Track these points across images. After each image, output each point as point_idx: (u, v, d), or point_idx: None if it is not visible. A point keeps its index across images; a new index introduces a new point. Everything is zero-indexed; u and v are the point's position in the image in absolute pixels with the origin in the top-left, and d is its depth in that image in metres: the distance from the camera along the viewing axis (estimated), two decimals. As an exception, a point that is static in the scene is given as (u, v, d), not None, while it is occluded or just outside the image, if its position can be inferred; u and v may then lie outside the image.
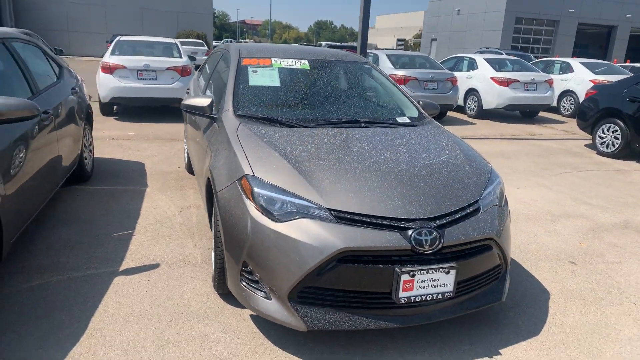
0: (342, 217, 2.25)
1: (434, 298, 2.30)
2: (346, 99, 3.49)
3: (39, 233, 3.58)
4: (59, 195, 4.36)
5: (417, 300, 2.27)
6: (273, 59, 3.63)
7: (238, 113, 3.08)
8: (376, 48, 36.77)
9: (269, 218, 2.28)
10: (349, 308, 2.26)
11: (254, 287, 2.35)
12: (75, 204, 4.19)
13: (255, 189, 2.37)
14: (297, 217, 2.26)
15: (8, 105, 2.67)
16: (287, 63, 3.62)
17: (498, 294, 2.57)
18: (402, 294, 2.23)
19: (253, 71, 3.51)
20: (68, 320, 2.54)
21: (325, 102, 3.40)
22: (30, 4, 27.75)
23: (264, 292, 2.31)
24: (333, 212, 2.26)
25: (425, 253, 2.25)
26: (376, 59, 10.81)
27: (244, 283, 2.39)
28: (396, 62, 10.55)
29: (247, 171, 2.48)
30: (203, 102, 3.19)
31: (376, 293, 2.24)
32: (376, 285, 2.22)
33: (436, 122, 3.48)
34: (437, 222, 2.33)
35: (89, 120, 4.95)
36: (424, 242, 2.24)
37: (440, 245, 2.27)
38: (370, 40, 72.72)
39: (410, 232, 2.24)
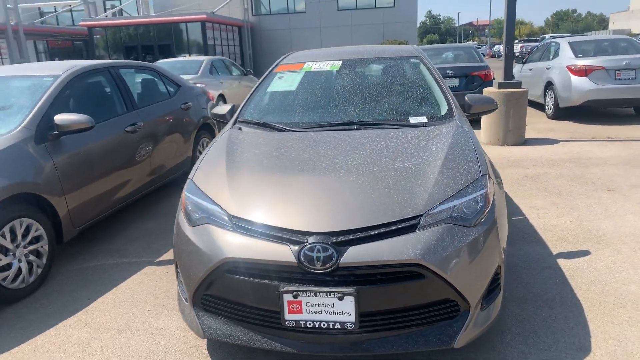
0: (240, 226, 2.13)
1: (331, 327, 1.96)
2: (362, 100, 3.18)
3: (126, 223, 4.34)
4: (167, 193, 5.17)
5: (308, 325, 1.97)
6: (306, 63, 3.58)
7: (240, 119, 3.17)
8: (629, 34, 30.81)
9: (187, 221, 2.32)
10: (246, 322, 2.12)
11: (180, 289, 2.42)
12: (174, 200, 4.91)
13: (185, 193, 2.44)
14: (204, 222, 2.23)
15: (68, 120, 3.36)
16: (318, 66, 3.52)
17: (447, 338, 2.01)
18: (288, 316, 1.98)
19: (279, 77, 3.53)
20: (83, 297, 3.05)
21: (335, 103, 3.17)
22: (262, 32, 32.81)
23: (184, 294, 2.35)
24: (234, 220, 2.16)
25: (316, 272, 1.94)
26: (557, 49, 9.19)
27: (177, 284, 2.48)
28: (579, 50, 8.74)
29: (191, 175, 2.56)
30: (224, 109, 3.38)
31: (268, 311, 2.04)
32: (266, 303, 2.02)
33: (460, 121, 2.88)
34: (340, 237, 1.98)
35: (206, 128, 5.68)
36: (315, 260, 1.94)
37: (335, 265, 1.92)
38: (622, 25, 60.99)
39: (298, 246, 1.97)
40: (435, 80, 3.28)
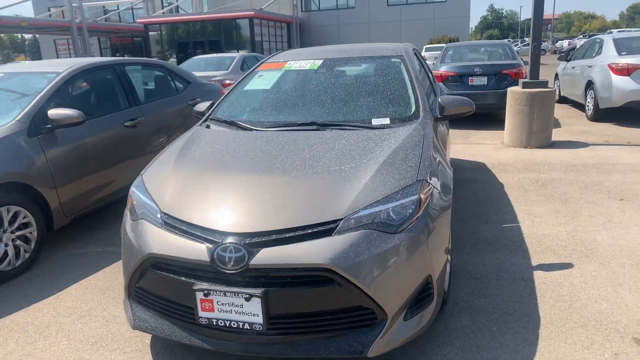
0: (168, 223, 2.18)
1: (240, 327, 1.98)
2: (331, 100, 3.14)
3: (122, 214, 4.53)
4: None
5: (220, 324, 2.00)
6: (288, 62, 3.58)
7: (212, 117, 3.23)
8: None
9: (130, 215, 2.40)
10: (170, 317, 2.17)
11: None
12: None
13: (132, 188, 2.52)
14: (140, 217, 2.31)
15: (60, 114, 3.57)
16: (298, 65, 3.51)
17: (359, 346, 1.97)
18: (201, 313, 2.01)
19: (259, 76, 3.56)
20: (61, 282, 3.24)
21: (304, 103, 3.16)
22: (311, 28, 32.96)
23: None
24: (164, 217, 2.21)
25: (227, 272, 1.96)
26: (600, 46, 8.61)
27: None
28: (624, 47, 8.14)
29: (143, 170, 2.65)
30: (204, 106, 3.46)
31: (187, 307, 2.08)
32: (185, 299, 2.07)
33: (421, 123, 2.78)
34: (253, 239, 1.98)
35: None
36: (227, 260, 1.96)
37: (245, 266, 1.93)
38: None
39: (213, 246, 2.00)
40: (411, 80, 3.18)
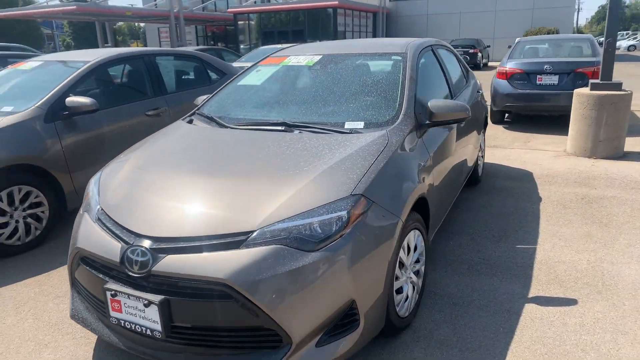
0: (100, 219, 2.19)
1: (143, 332, 1.93)
2: (312, 99, 2.96)
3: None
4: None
5: (127, 326, 1.97)
6: (289, 57, 3.46)
7: (199, 111, 3.21)
8: None
9: (82, 207, 2.46)
10: (95, 312, 2.19)
11: None
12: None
13: (90, 180, 2.57)
14: (84, 210, 2.35)
15: (76, 102, 3.77)
16: (296, 60, 3.37)
17: (259, 368, 1.84)
18: (112, 313, 2.00)
19: (257, 71, 3.48)
20: (58, 262, 3.45)
21: (284, 101, 3.02)
22: (398, 18, 32.12)
23: None
24: (99, 212, 2.23)
25: (133, 275, 1.92)
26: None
27: None
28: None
29: (108, 163, 2.70)
30: (201, 100, 3.46)
31: (104, 305, 2.09)
32: (101, 297, 2.07)
33: (392, 130, 2.52)
34: (162, 244, 1.92)
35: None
36: (133, 263, 1.92)
37: (148, 272, 1.88)
38: None
39: (125, 247, 1.96)
40: (403, 82, 2.90)
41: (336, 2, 24.72)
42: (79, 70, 4.10)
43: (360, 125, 2.62)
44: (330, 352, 1.92)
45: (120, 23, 59.43)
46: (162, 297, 1.86)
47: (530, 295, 2.80)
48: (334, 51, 3.39)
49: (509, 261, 3.22)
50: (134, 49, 4.81)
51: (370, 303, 2.02)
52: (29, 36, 45.76)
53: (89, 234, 2.14)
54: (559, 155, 6.03)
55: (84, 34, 50.04)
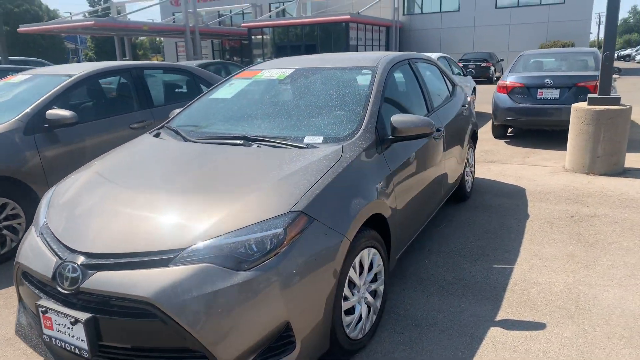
0: (42, 233, 2.17)
1: (72, 350, 1.89)
2: (276, 113, 2.93)
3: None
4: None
5: (58, 344, 1.93)
6: (263, 70, 3.44)
7: (167, 124, 3.20)
8: None
9: (34, 221, 2.44)
10: (36, 328, 2.16)
11: None
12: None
13: (45, 194, 2.56)
14: (33, 224, 2.33)
15: (56, 115, 3.81)
16: (269, 74, 3.35)
17: (185, 391, 1.78)
18: (45, 330, 1.97)
19: (230, 84, 3.46)
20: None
21: (248, 115, 2.99)
22: (412, 32, 32.14)
23: None
24: (42, 227, 2.21)
25: (63, 291, 1.88)
26: None
27: None
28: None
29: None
30: (175, 112, 3.44)
31: (39, 321, 2.05)
32: (37, 312, 2.04)
33: (347, 145, 2.47)
34: (93, 260, 1.89)
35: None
36: (64, 279, 1.89)
37: (76, 289, 1.84)
38: None
39: (57, 263, 1.94)
40: (368, 96, 2.85)
41: (348, 17, 24.87)
42: (62, 84, 4.14)
43: (319, 140, 2.57)
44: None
45: (142, 38, 60.66)
46: (89, 315, 1.82)
47: (498, 318, 2.69)
48: (307, 65, 3.36)
49: (482, 282, 3.11)
50: (122, 63, 4.86)
51: (310, 325, 1.95)
52: (53, 50, 47.14)
53: (30, 249, 2.12)
54: (556, 172, 5.88)
55: (105, 47, 51.28)
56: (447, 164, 3.73)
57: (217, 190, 2.14)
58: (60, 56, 47.76)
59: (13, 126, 3.74)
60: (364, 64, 3.21)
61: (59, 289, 1.89)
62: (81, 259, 1.90)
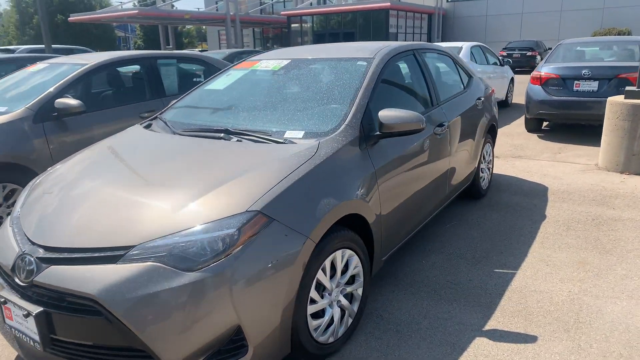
0: (14, 223, 2.19)
1: (28, 342, 1.90)
2: (262, 106, 2.84)
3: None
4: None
5: (17, 334, 1.95)
6: (262, 61, 3.36)
7: (160, 115, 3.18)
8: None
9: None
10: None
11: None
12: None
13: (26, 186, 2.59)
14: (10, 214, 2.37)
15: (64, 104, 3.89)
16: (266, 65, 3.27)
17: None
18: (6, 320, 1.99)
19: (227, 75, 3.40)
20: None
21: (235, 108, 2.92)
22: (455, 19, 31.12)
23: None
24: (15, 216, 2.23)
25: (19, 283, 1.90)
26: None
27: None
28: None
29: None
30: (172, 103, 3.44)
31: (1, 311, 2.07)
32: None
33: (326, 141, 2.37)
34: (48, 253, 1.88)
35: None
36: (22, 271, 1.90)
37: (30, 281, 1.85)
38: None
39: (17, 255, 1.95)
40: (358, 89, 2.71)
41: (388, 4, 24.34)
42: (73, 73, 4.22)
43: (299, 135, 2.47)
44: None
45: (189, 26, 61.88)
46: (41, 309, 1.82)
47: (486, 327, 2.52)
48: (304, 55, 3.25)
49: (479, 287, 2.93)
50: (135, 52, 4.91)
51: (265, 330, 1.88)
52: (105, 39, 49.00)
53: (1, 239, 2.15)
54: (587, 169, 5.50)
55: (153, 36, 52.74)
56: (454, 160, 3.54)
57: (181, 185, 2.08)
58: (112, 44, 49.58)
59: (23, 114, 3.85)
60: (361, 55, 3.06)
61: (17, 280, 1.91)
62: (40, 252, 1.91)
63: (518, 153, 6.42)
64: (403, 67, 3.33)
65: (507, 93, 10.58)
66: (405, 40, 26.61)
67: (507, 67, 10.65)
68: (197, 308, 1.74)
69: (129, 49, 58.25)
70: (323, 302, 2.19)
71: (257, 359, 1.88)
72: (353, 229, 2.40)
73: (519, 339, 2.42)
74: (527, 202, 4.43)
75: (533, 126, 7.73)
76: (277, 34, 37.23)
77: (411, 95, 3.29)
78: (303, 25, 28.61)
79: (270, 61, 3.30)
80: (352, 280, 2.41)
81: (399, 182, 2.73)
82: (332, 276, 2.25)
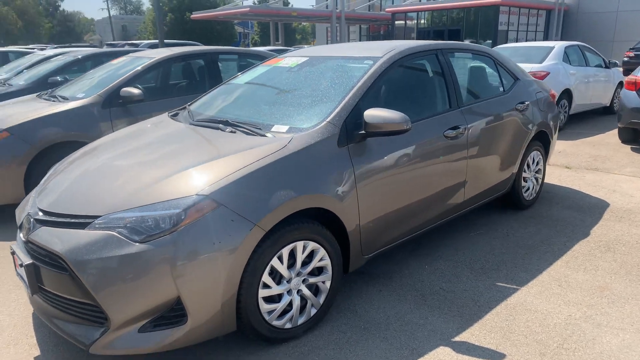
0: (34, 192, 2.61)
1: (26, 288, 2.28)
2: (265, 100, 3.00)
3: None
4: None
5: (22, 280, 2.34)
6: (286, 58, 3.53)
7: (190, 106, 3.49)
8: None
9: None
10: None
11: None
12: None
13: None
14: (43, 182, 2.82)
15: (127, 92, 4.43)
16: (286, 62, 3.43)
17: (86, 339, 2.04)
18: (17, 269, 2.39)
19: (253, 70, 3.61)
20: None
21: (242, 101, 3.12)
22: (580, 15, 28.32)
23: None
24: (38, 187, 2.66)
25: (22, 238, 2.28)
26: None
27: None
28: None
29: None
30: None
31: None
32: (14, 253, 2.47)
33: (300, 137, 2.46)
34: (42, 215, 2.24)
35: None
36: (24, 228, 2.29)
37: (27, 237, 2.22)
38: None
39: (25, 215, 2.34)
40: (353, 87, 2.74)
41: (499, 0, 22.98)
42: (141, 66, 4.77)
43: (283, 129, 2.59)
44: (154, 339, 2.02)
45: (305, 23, 64.15)
46: (30, 261, 2.18)
47: (457, 338, 2.44)
48: (322, 54, 3.35)
49: (471, 298, 2.81)
50: (199, 48, 5.37)
51: (205, 304, 2.05)
52: (225, 35, 52.92)
53: (24, 203, 2.59)
54: (671, 188, 4.84)
55: (268, 32, 55.73)
56: (476, 165, 3.39)
57: (158, 166, 2.33)
58: (231, 40, 53.35)
59: (94, 100, 4.45)
60: (373, 54, 3.08)
61: (21, 235, 2.31)
62: (39, 215, 2.28)
63: (595, 165, 5.81)
64: (418, 67, 3.27)
65: (612, 98, 9.53)
66: (517, 39, 24.91)
67: (615, 70, 9.56)
68: (141, 276, 1.96)
69: (247, 44, 62.08)
70: (279, 288, 2.30)
71: (196, 330, 2.07)
72: (327, 223, 2.48)
73: (484, 354, 2.31)
74: (576, 217, 4.05)
75: (627, 136, 6.91)
76: (384, 31, 37.03)
77: (422, 96, 3.22)
78: (407, 22, 28.15)
79: (292, 58, 3.45)
80: (318, 272, 2.48)
81: (388, 182, 2.72)
82: (292, 266, 2.35)
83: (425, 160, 2.96)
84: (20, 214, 2.48)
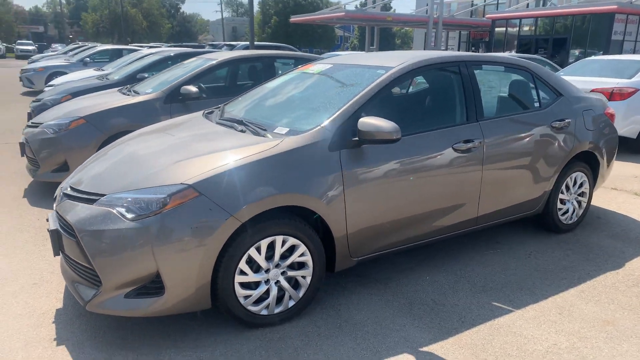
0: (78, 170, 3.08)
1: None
2: (284, 104, 3.19)
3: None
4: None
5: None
6: (316, 64, 3.72)
7: (224, 105, 3.82)
8: None
9: None
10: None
11: None
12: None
13: None
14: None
15: (186, 90, 4.93)
16: (315, 68, 3.61)
17: (86, 296, 2.41)
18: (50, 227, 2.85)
19: (285, 75, 3.85)
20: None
21: (258, 103, 3.36)
22: None
23: None
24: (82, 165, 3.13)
25: (54, 208, 2.73)
26: None
27: None
28: None
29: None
30: None
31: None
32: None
33: (292, 140, 2.63)
34: (69, 191, 2.66)
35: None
36: (56, 200, 2.73)
37: (56, 208, 2.66)
38: None
39: (60, 189, 2.79)
40: (356, 95, 2.85)
41: (615, 7, 20.98)
42: (202, 68, 5.25)
43: (283, 131, 2.78)
44: (136, 305, 2.32)
45: (407, 28, 63.76)
46: (55, 227, 2.61)
47: (426, 348, 2.46)
48: (346, 61, 3.49)
49: (458, 313, 2.79)
50: (257, 52, 5.74)
51: (182, 281, 2.31)
52: (325, 38, 54.32)
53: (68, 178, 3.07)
54: None
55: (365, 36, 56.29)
56: (494, 180, 3.30)
57: (166, 156, 2.66)
58: (331, 43, 54.62)
59: (157, 96, 5.00)
60: (387, 64, 3.16)
61: (54, 205, 2.76)
62: (68, 190, 2.71)
63: (671, 193, 5.24)
64: (434, 78, 3.28)
65: None
66: (634, 50, 22.54)
67: None
68: (128, 249, 2.28)
69: (346, 48, 63.15)
70: (255, 276, 2.51)
71: (173, 302, 2.34)
72: (315, 223, 2.64)
73: (445, 368, 2.31)
74: (616, 248, 3.75)
75: None
76: (484, 37, 35.52)
77: (432, 107, 3.23)
78: (509, 29, 26.73)
79: (319, 65, 3.63)
80: (299, 267, 2.64)
81: (381, 190, 2.80)
82: (270, 257, 2.54)
83: (426, 171, 2.98)
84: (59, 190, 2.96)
